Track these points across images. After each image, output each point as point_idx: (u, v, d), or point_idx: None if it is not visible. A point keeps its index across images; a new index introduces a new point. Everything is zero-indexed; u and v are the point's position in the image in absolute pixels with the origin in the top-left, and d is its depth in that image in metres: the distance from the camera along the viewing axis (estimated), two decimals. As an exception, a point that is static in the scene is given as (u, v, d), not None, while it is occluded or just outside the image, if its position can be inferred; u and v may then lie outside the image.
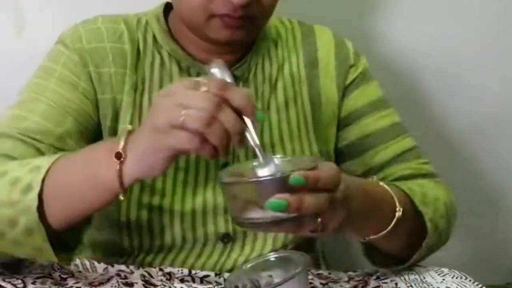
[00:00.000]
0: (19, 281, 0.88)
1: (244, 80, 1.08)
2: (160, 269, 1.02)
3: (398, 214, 0.94)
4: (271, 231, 0.92)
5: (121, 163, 0.82)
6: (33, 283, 0.89)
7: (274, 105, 1.09)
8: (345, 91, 1.12)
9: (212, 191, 1.04)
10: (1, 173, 0.88)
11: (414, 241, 0.99)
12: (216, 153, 0.78)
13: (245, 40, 1.01)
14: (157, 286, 0.96)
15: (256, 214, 0.76)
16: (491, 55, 1.53)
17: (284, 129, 1.09)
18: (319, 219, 0.78)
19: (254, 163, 0.80)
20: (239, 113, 0.78)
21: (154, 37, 1.07)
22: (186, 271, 1.02)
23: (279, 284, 0.81)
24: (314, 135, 1.10)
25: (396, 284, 0.99)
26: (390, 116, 1.14)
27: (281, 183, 0.75)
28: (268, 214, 0.75)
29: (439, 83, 1.53)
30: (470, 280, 0.96)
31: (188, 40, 1.05)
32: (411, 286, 0.97)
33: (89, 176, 0.85)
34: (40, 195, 0.85)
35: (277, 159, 0.81)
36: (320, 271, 1.09)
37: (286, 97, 1.10)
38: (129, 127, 0.85)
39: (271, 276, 0.89)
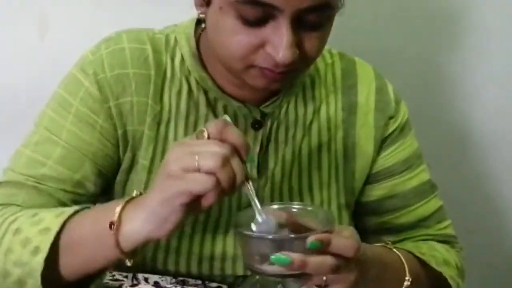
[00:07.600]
0: None
1: (274, 118, 1.03)
2: (174, 276, 1.00)
3: (406, 283, 0.93)
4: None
5: (117, 232, 0.82)
6: None
7: (307, 150, 1.04)
8: (381, 144, 1.07)
9: (234, 238, 1.00)
10: (14, 231, 0.88)
11: None
12: (221, 196, 0.79)
13: (283, 88, 0.98)
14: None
15: (266, 267, 0.80)
16: None
17: (315, 177, 1.04)
18: (324, 278, 0.80)
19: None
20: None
21: (182, 60, 1.00)
22: (199, 282, 1.00)
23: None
24: (343, 186, 1.06)
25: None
26: (420, 174, 1.09)
27: (298, 244, 0.78)
28: (276, 269, 0.79)
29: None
30: None
31: (218, 70, 0.98)
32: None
33: (96, 241, 0.84)
34: (49, 256, 0.85)
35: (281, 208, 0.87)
36: None
37: (320, 141, 1.04)
38: (135, 192, 0.85)
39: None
